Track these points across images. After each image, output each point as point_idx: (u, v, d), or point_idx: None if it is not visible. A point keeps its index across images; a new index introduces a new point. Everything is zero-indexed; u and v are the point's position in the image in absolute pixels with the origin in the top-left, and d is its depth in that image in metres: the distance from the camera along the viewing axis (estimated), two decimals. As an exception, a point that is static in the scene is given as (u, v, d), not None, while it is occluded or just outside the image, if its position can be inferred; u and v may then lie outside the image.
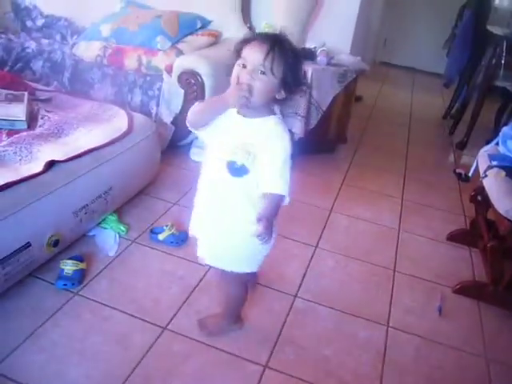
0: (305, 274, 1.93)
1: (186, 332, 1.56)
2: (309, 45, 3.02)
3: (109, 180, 1.87)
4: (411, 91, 5.35)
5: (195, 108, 1.27)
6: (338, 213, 2.43)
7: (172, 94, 2.49)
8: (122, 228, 1.95)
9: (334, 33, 3.18)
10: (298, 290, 1.84)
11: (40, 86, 2.46)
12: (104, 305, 1.62)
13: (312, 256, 2.05)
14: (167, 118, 2.49)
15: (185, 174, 2.57)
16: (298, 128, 2.72)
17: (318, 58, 2.78)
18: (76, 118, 2.07)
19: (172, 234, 1.91)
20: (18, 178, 1.56)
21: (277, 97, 1.21)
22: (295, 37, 2.86)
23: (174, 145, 2.59)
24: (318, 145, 3.02)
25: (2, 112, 1.94)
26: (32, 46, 2.78)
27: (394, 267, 2.06)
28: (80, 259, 1.72)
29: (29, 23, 3.25)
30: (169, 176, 2.47)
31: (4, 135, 1.83)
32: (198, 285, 1.77)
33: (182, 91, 2.50)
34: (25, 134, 1.87)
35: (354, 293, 1.87)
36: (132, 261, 1.85)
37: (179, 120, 2.54)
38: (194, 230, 1.46)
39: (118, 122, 2.10)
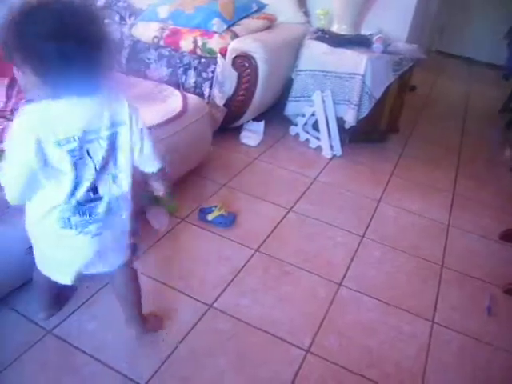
0: (350, 263, 1.92)
1: (230, 311, 1.59)
2: (364, 31, 2.97)
3: (165, 156, 1.91)
4: (467, 82, 5.15)
5: None
6: (386, 204, 2.39)
7: (226, 76, 2.50)
8: (173, 206, 1.99)
9: (391, 19, 3.09)
10: (343, 278, 1.83)
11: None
12: (153, 279, 1.68)
13: (358, 245, 2.04)
14: (220, 101, 2.51)
15: (235, 156, 2.60)
16: (350, 116, 2.69)
17: (374, 45, 2.72)
18: (132, 97, 2.11)
19: (221, 215, 1.95)
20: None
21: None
22: (350, 22, 2.87)
23: (225, 127, 2.62)
24: (368, 134, 2.97)
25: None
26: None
27: (442, 262, 2.02)
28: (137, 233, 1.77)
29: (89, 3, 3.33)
30: (219, 158, 2.50)
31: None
32: (243, 266, 1.80)
33: (236, 74, 2.51)
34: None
35: (400, 285, 1.85)
36: (180, 239, 1.90)
37: (231, 102, 2.56)
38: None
39: (173, 102, 2.14)
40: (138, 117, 1.13)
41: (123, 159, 1.13)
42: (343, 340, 1.56)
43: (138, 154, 1.16)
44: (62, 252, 1.17)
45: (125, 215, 1.21)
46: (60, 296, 1.52)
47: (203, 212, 1.98)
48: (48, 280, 1.28)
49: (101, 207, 1.12)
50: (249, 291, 1.69)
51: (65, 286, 1.30)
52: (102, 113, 1.05)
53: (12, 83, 2.14)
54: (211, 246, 1.88)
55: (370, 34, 2.86)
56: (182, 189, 2.16)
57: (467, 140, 3.46)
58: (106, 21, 1.00)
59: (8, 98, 2.05)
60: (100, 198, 1.11)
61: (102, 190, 1.11)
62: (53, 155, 1.00)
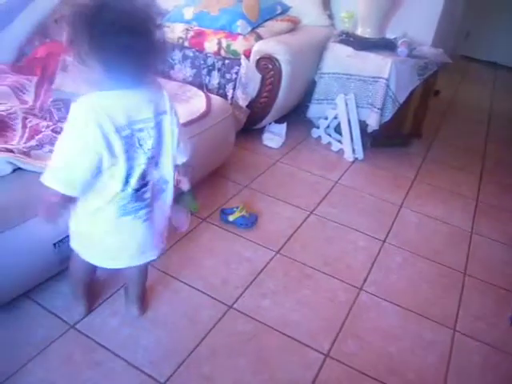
0: (371, 268, 1.91)
1: (250, 313, 1.60)
2: (389, 35, 2.94)
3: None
4: (492, 87, 5.06)
5: None
6: (408, 209, 2.37)
7: (249, 78, 2.51)
8: (195, 206, 2.00)
9: (416, 23, 3.06)
10: (364, 282, 1.82)
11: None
12: (174, 278, 1.69)
13: (379, 250, 2.02)
14: (243, 102, 2.52)
15: (256, 158, 2.60)
16: (373, 120, 2.67)
17: (399, 49, 2.69)
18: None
19: (242, 216, 1.95)
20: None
21: None
22: (375, 25, 2.85)
23: (247, 128, 2.62)
24: (391, 138, 2.95)
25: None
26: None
27: (465, 270, 1.99)
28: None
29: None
30: (241, 159, 2.51)
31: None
32: (264, 268, 1.80)
33: (259, 76, 2.52)
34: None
35: (421, 292, 1.83)
36: (201, 239, 1.91)
37: (254, 104, 2.57)
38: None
39: (197, 102, 2.15)
40: (175, 107, 1.21)
41: (167, 146, 1.20)
42: (363, 345, 1.55)
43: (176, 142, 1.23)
44: (120, 238, 1.24)
45: (168, 201, 1.29)
46: (91, 291, 1.56)
47: (225, 213, 1.99)
48: (87, 271, 1.41)
49: (148, 193, 1.19)
50: (269, 293, 1.69)
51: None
52: (148, 103, 1.12)
53: (41, 82, 2.19)
54: (232, 247, 1.89)
55: (395, 38, 2.84)
56: (203, 189, 2.17)
57: (491, 145, 3.40)
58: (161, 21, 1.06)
59: (37, 96, 2.09)
60: (147, 184, 1.18)
61: (149, 176, 1.18)
62: (113, 142, 1.06)
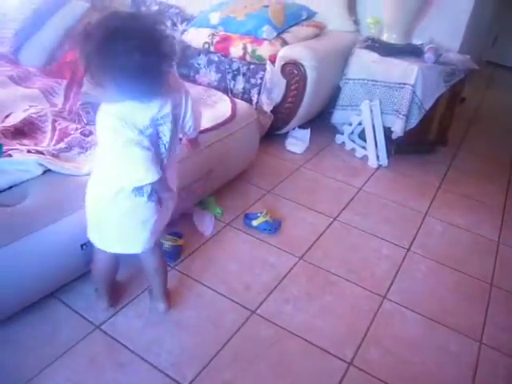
0: (395, 276, 1.88)
1: (273, 319, 1.59)
2: (415, 41, 2.91)
3: (211, 163, 1.94)
4: (520, 95, 4.97)
5: None
6: (432, 217, 2.33)
7: (274, 83, 2.52)
8: (219, 210, 2.02)
9: (444, 29, 3.02)
10: (388, 291, 1.80)
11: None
12: (198, 282, 1.70)
13: (404, 258, 1.99)
14: (267, 107, 2.52)
15: (280, 163, 2.61)
16: (398, 126, 2.64)
17: (426, 55, 2.66)
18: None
19: (266, 221, 1.95)
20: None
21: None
22: (401, 31, 2.82)
23: (271, 133, 2.63)
24: (416, 145, 2.91)
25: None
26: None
27: (491, 281, 1.95)
28: (179, 235, 1.81)
29: (143, 9, 3.43)
30: (264, 164, 2.52)
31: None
32: (287, 274, 1.80)
33: (284, 81, 2.52)
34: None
35: (446, 302, 1.80)
36: (225, 243, 1.91)
37: (279, 109, 2.57)
38: None
39: (222, 107, 2.17)
40: (188, 93, 1.30)
41: (178, 131, 1.31)
42: (386, 354, 1.53)
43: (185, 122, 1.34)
44: (136, 218, 1.31)
45: (175, 177, 1.41)
46: (116, 288, 1.60)
47: (248, 217, 1.99)
48: (110, 267, 1.47)
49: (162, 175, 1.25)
50: (292, 299, 1.69)
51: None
52: (166, 101, 1.20)
53: (70, 85, 2.23)
54: (256, 252, 1.89)
55: (421, 44, 2.81)
56: (227, 193, 2.18)
57: (519, 154, 3.33)
58: (171, 37, 1.18)
59: (66, 99, 2.14)
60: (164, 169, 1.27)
61: (165, 161, 1.29)
62: (142, 141, 1.17)
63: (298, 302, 1.67)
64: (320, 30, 2.95)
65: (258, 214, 1.98)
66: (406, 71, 2.60)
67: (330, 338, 1.56)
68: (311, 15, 2.99)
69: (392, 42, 2.85)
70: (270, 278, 1.76)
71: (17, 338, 1.41)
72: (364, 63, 2.72)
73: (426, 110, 2.67)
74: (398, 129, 2.66)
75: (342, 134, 2.89)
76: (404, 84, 2.61)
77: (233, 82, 2.63)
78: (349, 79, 2.78)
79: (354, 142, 2.86)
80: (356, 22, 3.19)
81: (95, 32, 1.04)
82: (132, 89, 1.10)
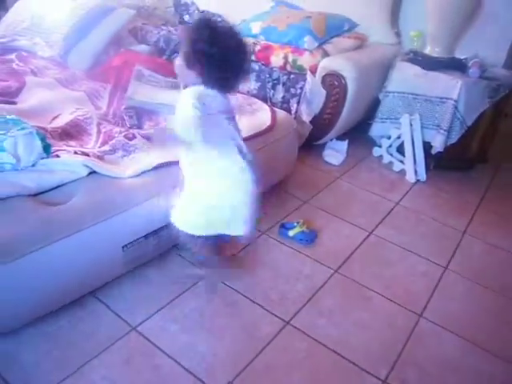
0: (432, 295, 1.84)
1: (307, 331, 1.58)
2: (459, 55, 2.86)
3: (249, 171, 1.95)
4: None
5: None
6: (472, 236, 2.27)
7: (314, 94, 2.52)
8: (256, 219, 2.02)
9: (489, 43, 2.95)
10: (424, 309, 1.76)
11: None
12: (233, 289, 1.70)
13: (441, 277, 1.95)
14: (306, 117, 2.52)
15: (317, 174, 2.60)
16: (438, 141, 2.60)
17: (470, 70, 2.61)
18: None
19: (302, 232, 1.95)
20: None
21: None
22: (445, 45, 2.78)
23: (309, 144, 2.62)
24: (455, 161, 2.84)
25: (161, 97, 2.12)
26: (188, 37, 2.99)
27: (533, 305, 1.88)
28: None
29: (186, 17, 3.49)
30: (302, 174, 2.51)
31: (163, 119, 2.00)
32: (323, 286, 1.78)
33: (325, 92, 2.52)
34: (180, 119, 2.02)
35: (485, 325, 1.74)
36: (261, 252, 1.91)
37: (317, 120, 2.57)
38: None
39: (262, 116, 2.18)
40: None
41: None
42: (422, 375, 1.50)
43: None
44: (240, 194, 1.50)
45: None
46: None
47: (285, 227, 1.99)
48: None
49: None
50: (326, 312, 1.67)
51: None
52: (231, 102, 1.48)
53: (114, 89, 2.29)
54: (291, 262, 1.88)
55: (465, 58, 2.75)
56: (264, 202, 2.16)
57: None
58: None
59: (110, 102, 2.19)
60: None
61: None
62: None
63: (332, 315, 1.66)
64: (361, 42, 2.94)
65: (295, 224, 1.97)
66: (448, 86, 2.55)
67: (364, 353, 1.53)
68: (353, 27, 2.98)
69: (435, 55, 2.81)
70: (305, 290, 1.75)
71: (59, 333, 1.45)
72: (405, 76, 2.69)
73: (467, 126, 2.61)
74: (438, 144, 2.61)
75: (380, 146, 2.85)
76: (446, 99, 2.57)
77: (272, 91, 2.64)
78: (389, 92, 2.75)
79: (391, 155, 2.82)
80: (398, 34, 3.16)
81: (203, 28, 1.30)
82: (219, 77, 1.33)
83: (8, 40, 2.67)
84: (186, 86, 1.43)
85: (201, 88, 1.37)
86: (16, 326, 1.41)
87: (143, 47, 2.87)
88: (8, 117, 1.57)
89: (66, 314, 1.50)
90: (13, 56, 2.51)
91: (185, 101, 1.37)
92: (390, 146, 2.82)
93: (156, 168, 1.66)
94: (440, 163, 2.79)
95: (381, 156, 2.86)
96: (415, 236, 2.19)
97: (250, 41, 2.81)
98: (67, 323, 1.49)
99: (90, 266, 1.48)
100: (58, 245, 1.37)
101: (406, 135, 2.66)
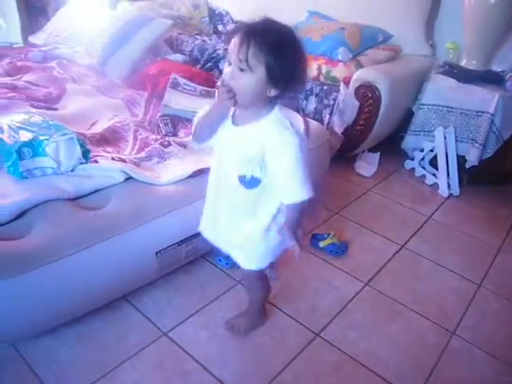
0: (465, 312, 1.80)
1: (337, 343, 1.57)
2: (496, 67, 2.82)
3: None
4: None
5: (196, 120, 1.24)
6: (507, 253, 2.21)
7: (347, 105, 2.51)
8: (286, 229, 2.03)
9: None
10: (457, 327, 1.72)
11: (226, 85, 2.68)
12: (263, 298, 1.71)
13: (474, 294, 1.90)
14: (339, 128, 2.52)
15: (348, 185, 2.59)
16: (473, 155, 2.55)
17: (508, 84, 2.56)
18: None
19: (333, 243, 1.94)
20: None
21: (268, 94, 1.10)
22: (481, 57, 2.74)
23: (340, 155, 2.61)
24: (490, 175, 2.78)
25: (196, 105, 2.15)
26: (222, 48, 3.03)
27: None
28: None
29: (220, 27, 3.55)
30: (333, 185, 2.50)
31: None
32: (353, 298, 1.77)
33: (358, 104, 2.51)
34: (214, 128, 2.05)
35: (520, 345, 1.70)
36: (288, 260, 1.91)
37: (350, 131, 2.56)
38: (204, 228, 1.43)
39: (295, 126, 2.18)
40: None
41: None
42: (455, 395, 1.47)
43: None
44: None
45: None
46: None
47: (316, 238, 1.98)
48: None
49: None
50: (356, 325, 1.65)
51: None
52: None
53: (150, 97, 2.34)
54: (321, 274, 1.88)
55: (503, 71, 2.71)
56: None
57: None
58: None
59: (146, 110, 2.24)
60: None
61: None
62: None
63: (362, 329, 1.64)
64: (396, 54, 2.92)
65: (326, 236, 1.96)
66: (485, 99, 2.51)
67: (394, 369, 1.51)
68: (387, 38, 2.97)
69: (471, 67, 2.77)
70: (335, 302, 1.74)
71: (93, 335, 1.49)
72: (440, 89, 2.66)
73: (504, 140, 2.56)
74: (473, 158, 2.56)
75: (413, 159, 2.82)
76: (482, 112, 2.52)
77: (305, 101, 2.64)
78: (423, 104, 2.72)
79: (424, 168, 2.78)
80: (433, 46, 3.13)
81: (286, 42, 1.08)
82: (293, 96, 1.17)
83: (49, 48, 2.77)
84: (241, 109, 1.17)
85: (284, 112, 1.17)
86: (54, 325, 1.45)
87: (178, 56, 2.92)
88: (50, 122, 1.62)
89: (100, 317, 1.54)
90: (54, 63, 2.60)
91: (277, 132, 1.13)
92: (423, 158, 2.78)
93: (191, 176, 1.68)
94: (474, 177, 2.74)
95: (413, 169, 2.83)
96: (448, 251, 2.15)
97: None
98: (101, 325, 1.52)
99: (124, 271, 1.51)
100: (94, 248, 1.40)
101: (440, 148, 2.62)
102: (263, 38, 1.04)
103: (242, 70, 1.06)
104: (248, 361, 1.48)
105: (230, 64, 1.09)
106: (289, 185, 1.18)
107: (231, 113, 1.19)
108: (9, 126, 1.58)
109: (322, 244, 1.95)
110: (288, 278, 1.82)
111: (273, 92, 1.10)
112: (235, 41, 1.06)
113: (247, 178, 1.19)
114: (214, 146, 1.27)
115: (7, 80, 2.30)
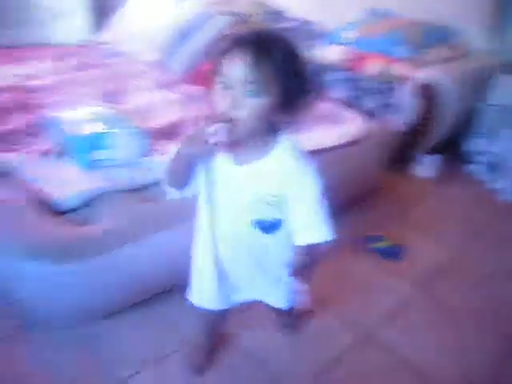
0: (528, 324, 1.72)
1: (390, 346, 1.55)
2: None
3: (337, 180, 1.93)
4: None
5: (168, 166, 1.04)
6: None
7: (406, 104, 2.45)
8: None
9: None
10: (517, 338, 1.65)
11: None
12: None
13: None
14: (397, 128, 2.46)
15: (405, 187, 2.53)
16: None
17: None
18: (313, 116, 2.20)
19: (387, 246, 1.91)
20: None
21: (274, 120, 0.95)
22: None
23: (399, 156, 2.54)
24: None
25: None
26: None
27: None
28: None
29: (278, 25, 3.55)
30: (389, 187, 2.44)
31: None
32: (407, 302, 1.73)
33: (418, 103, 2.44)
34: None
35: None
36: (344, 261, 1.89)
37: (409, 132, 2.50)
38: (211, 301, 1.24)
39: (353, 125, 2.16)
40: None
41: None
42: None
43: None
44: None
45: None
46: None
47: (369, 239, 1.95)
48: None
49: None
50: (410, 329, 1.62)
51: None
52: None
53: (206, 93, 2.37)
54: (375, 275, 1.85)
55: None
56: (349, 212, 2.15)
57: None
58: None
59: (206, 106, 2.28)
60: None
61: None
62: None
63: (416, 334, 1.60)
64: (459, 52, 2.81)
65: (379, 237, 1.93)
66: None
67: (450, 377, 1.47)
68: (451, 36, 2.87)
69: (543, 66, 2.63)
70: (388, 304, 1.71)
71: (147, 323, 1.55)
72: (508, 89, 2.54)
73: None
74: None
75: (475, 162, 2.71)
76: (554, 114, 2.39)
77: (363, 100, 2.60)
78: (488, 105, 2.61)
79: (487, 172, 2.67)
80: (501, 43, 2.99)
81: (295, 56, 0.94)
82: (294, 99, 0.94)
83: (115, 45, 2.87)
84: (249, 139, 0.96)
85: (290, 136, 1.00)
86: (110, 311, 1.52)
87: (236, 53, 2.96)
88: (117, 116, 1.70)
89: (154, 304, 1.58)
90: (118, 60, 2.71)
91: (295, 165, 0.97)
92: (486, 162, 2.66)
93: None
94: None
95: (475, 172, 2.71)
96: (509, 258, 2.06)
97: (342, 49, 2.81)
98: (155, 313, 1.57)
99: (177, 261, 1.54)
100: (149, 239, 1.45)
101: (505, 152, 2.51)
102: (273, 51, 0.89)
103: (250, 94, 0.88)
104: (298, 352, 1.49)
105: (227, 87, 0.90)
106: (312, 222, 1.00)
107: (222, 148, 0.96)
108: (79, 118, 1.66)
109: (376, 246, 1.91)
110: (340, 278, 1.80)
111: (281, 116, 0.94)
112: (237, 58, 0.88)
113: (267, 223, 1.02)
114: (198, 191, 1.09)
115: (77, 75, 2.42)
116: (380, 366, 1.48)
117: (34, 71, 2.43)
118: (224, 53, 0.91)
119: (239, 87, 0.88)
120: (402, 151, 2.56)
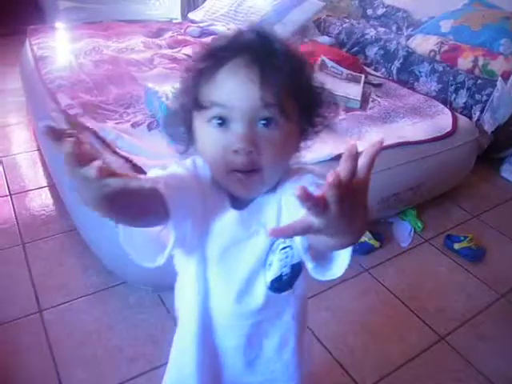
0: None
1: (462, 352, 1.49)
2: None
3: (422, 175, 1.89)
4: None
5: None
6: None
7: (502, 102, 2.31)
8: (419, 224, 1.96)
9: None
10: None
11: (372, 71, 2.63)
12: (388, 290, 1.68)
13: None
14: (488, 127, 2.33)
15: (491, 188, 2.40)
16: None
17: None
18: (403, 108, 2.14)
19: (469, 247, 1.83)
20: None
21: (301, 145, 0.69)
22: None
23: (487, 156, 2.42)
24: None
25: (341, 89, 2.15)
26: (371, 32, 2.97)
27: None
28: (381, 238, 1.84)
29: (369, 11, 3.47)
30: (474, 186, 2.34)
31: (341, 110, 2.03)
32: (485, 309, 1.66)
33: (516, 102, 2.30)
34: (358, 113, 2.04)
35: None
36: (421, 259, 1.85)
37: (500, 131, 2.36)
38: None
39: (442, 120, 2.08)
40: None
41: None
42: None
43: None
44: None
45: None
46: None
47: (450, 239, 1.89)
48: None
49: None
50: (486, 337, 1.55)
51: None
52: None
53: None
54: (453, 277, 1.79)
55: None
56: (430, 209, 2.09)
57: None
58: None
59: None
60: None
61: None
62: None
63: (493, 342, 1.53)
64: None
65: (462, 238, 1.86)
66: None
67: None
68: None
69: None
70: (465, 308, 1.65)
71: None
72: None
73: None
74: None
75: None
76: None
77: (454, 95, 2.49)
78: None
79: None
80: None
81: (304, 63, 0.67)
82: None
83: (206, 24, 2.94)
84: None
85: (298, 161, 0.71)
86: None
87: (326, 38, 2.93)
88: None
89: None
90: (210, 39, 2.76)
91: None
92: None
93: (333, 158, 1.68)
94: None
95: None
96: None
97: (436, 40, 2.69)
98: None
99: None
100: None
101: None
102: (287, 60, 0.62)
103: (268, 123, 0.60)
104: (368, 348, 1.47)
105: (222, 123, 0.61)
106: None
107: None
108: (171, 92, 1.73)
109: (456, 246, 1.84)
110: (417, 276, 1.77)
111: (307, 143, 0.70)
112: (240, 74, 0.60)
113: (284, 278, 0.70)
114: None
115: (169, 52, 2.50)
116: (451, 372, 1.43)
117: (131, 45, 2.54)
118: (208, 71, 0.61)
119: (247, 118, 0.60)
120: (490, 151, 2.44)
